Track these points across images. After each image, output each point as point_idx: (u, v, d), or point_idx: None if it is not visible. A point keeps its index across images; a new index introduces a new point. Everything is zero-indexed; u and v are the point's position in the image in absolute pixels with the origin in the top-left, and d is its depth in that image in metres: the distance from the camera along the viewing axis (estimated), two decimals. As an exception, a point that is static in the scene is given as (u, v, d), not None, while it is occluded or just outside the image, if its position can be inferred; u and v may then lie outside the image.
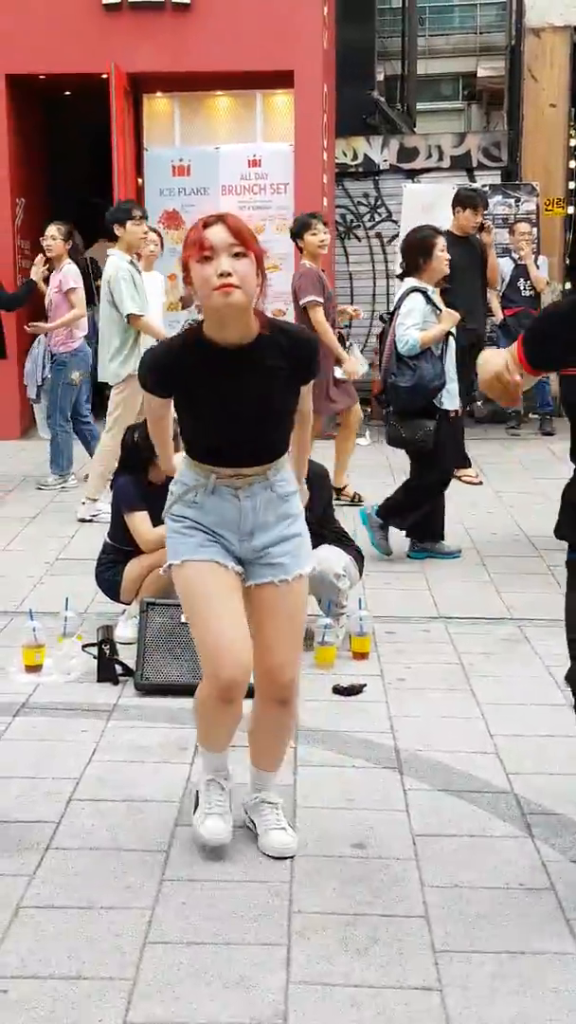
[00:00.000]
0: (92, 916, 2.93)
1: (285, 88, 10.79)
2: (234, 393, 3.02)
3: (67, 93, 11.70)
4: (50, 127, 12.17)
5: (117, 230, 7.31)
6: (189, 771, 3.78)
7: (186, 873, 3.14)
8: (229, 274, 2.85)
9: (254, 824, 3.34)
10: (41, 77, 10.98)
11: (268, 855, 3.22)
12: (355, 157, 12.83)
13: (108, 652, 4.59)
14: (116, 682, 4.54)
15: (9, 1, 10.45)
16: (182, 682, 4.39)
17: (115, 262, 7.23)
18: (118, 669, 4.57)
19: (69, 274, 8.51)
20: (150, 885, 3.07)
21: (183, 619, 4.52)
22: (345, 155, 12.75)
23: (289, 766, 3.77)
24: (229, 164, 10.96)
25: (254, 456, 3.11)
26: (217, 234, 2.89)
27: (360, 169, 12.86)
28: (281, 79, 10.64)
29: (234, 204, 10.92)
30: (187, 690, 4.31)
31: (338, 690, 4.51)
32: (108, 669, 4.57)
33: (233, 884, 3.09)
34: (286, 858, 3.20)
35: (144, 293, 7.40)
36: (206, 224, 2.92)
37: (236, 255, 2.88)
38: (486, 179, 12.43)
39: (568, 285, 11.89)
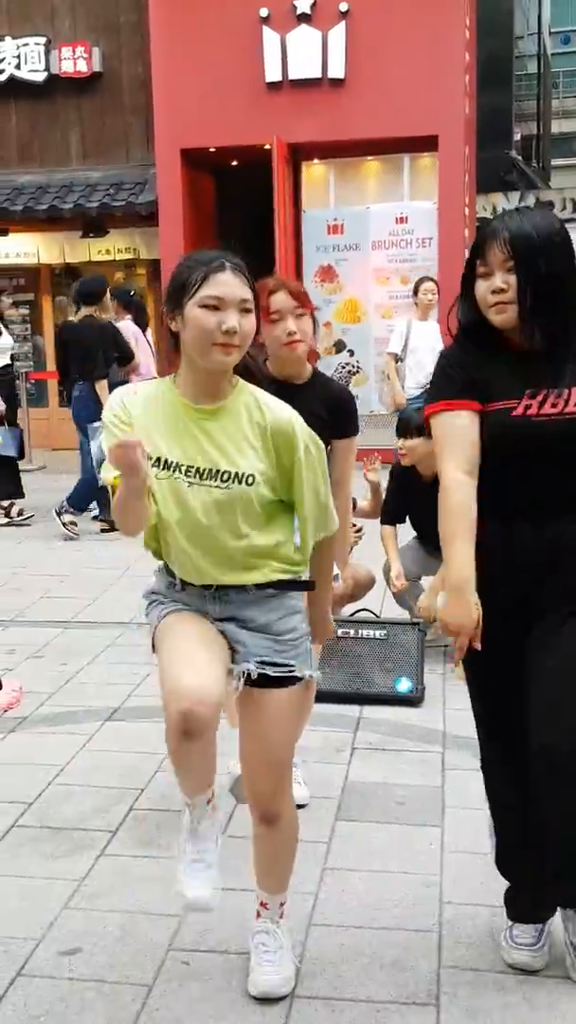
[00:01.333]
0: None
1: (430, 151, 10.82)
2: None
3: (234, 163, 12.00)
4: (219, 193, 12.50)
5: None
6: (346, 770, 3.81)
7: (345, 864, 3.16)
8: (294, 332, 3.20)
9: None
10: (211, 150, 11.30)
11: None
12: (494, 212, 12.75)
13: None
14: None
15: (184, 85, 10.81)
16: (333, 690, 4.42)
17: None
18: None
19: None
20: (314, 873, 3.11)
21: (339, 633, 4.57)
22: (485, 210, 12.72)
23: (437, 769, 3.77)
24: (379, 222, 11.04)
25: None
26: (282, 300, 3.18)
27: (499, 222, 12.77)
28: (426, 143, 10.68)
29: (383, 258, 11.01)
30: (337, 698, 4.38)
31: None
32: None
33: (388, 875, 3.10)
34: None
35: None
36: (271, 292, 3.17)
37: (299, 315, 3.19)
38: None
39: None
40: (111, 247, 12.38)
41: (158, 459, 2.32)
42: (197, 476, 2.31)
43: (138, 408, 2.36)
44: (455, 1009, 2.50)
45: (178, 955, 2.75)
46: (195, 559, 2.36)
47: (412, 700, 4.44)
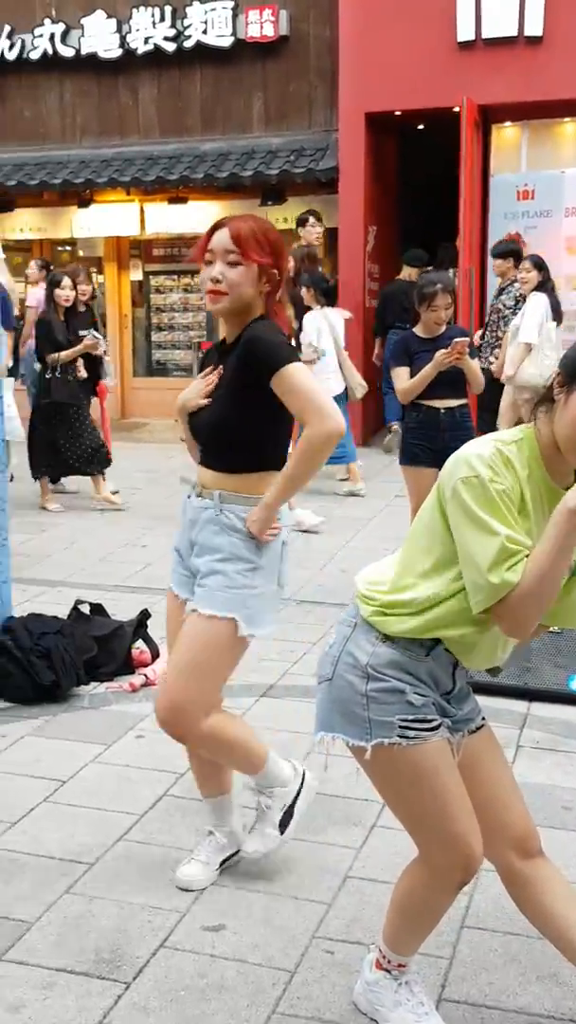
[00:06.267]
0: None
1: None
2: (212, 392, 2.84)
3: (420, 126, 11.82)
4: (401, 157, 12.36)
5: None
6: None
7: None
8: (217, 280, 2.73)
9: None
10: (397, 113, 11.17)
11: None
12: None
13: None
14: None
15: (371, 47, 10.72)
16: (500, 683, 4.30)
17: None
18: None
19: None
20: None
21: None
22: None
23: None
24: (574, 187, 10.66)
25: (210, 458, 2.86)
26: (219, 239, 2.75)
27: None
28: (630, 103, 10.24)
29: (576, 225, 10.66)
30: (503, 691, 4.26)
31: None
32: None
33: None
34: None
35: None
36: (215, 227, 2.79)
37: (232, 263, 2.73)
38: None
39: None
40: (288, 215, 12.39)
41: None
42: None
43: (516, 481, 2.08)
44: (616, 1031, 2.40)
45: (322, 943, 2.73)
46: (506, 643, 2.26)
47: (585, 698, 4.28)
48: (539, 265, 8.42)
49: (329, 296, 8.62)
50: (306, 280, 8.55)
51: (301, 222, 9.78)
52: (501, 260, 9.15)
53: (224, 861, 3.08)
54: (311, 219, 9.70)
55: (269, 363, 2.69)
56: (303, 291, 8.47)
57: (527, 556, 2.02)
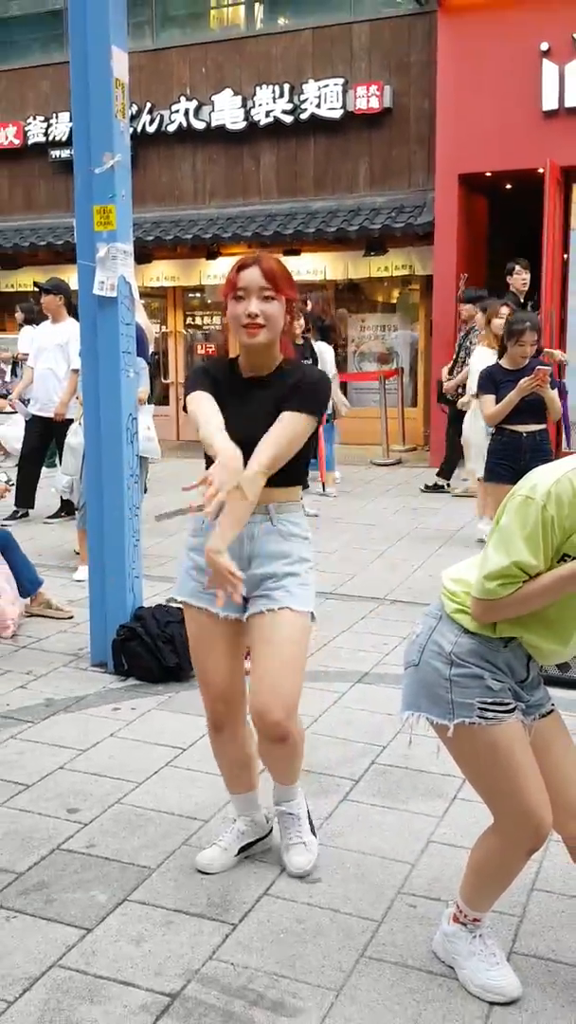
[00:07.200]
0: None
1: None
2: (247, 417, 2.62)
3: (508, 186, 11.72)
4: (491, 214, 12.26)
5: None
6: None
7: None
8: (255, 314, 2.60)
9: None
10: (487, 174, 11.10)
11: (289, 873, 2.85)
12: None
13: None
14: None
15: (465, 117, 10.69)
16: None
17: None
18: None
19: None
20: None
21: None
22: None
23: None
24: None
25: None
26: (250, 276, 2.61)
27: None
28: None
29: None
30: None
31: None
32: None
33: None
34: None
35: None
36: (241, 266, 2.64)
37: (265, 298, 2.61)
38: None
39: None
40: (389, 264, 12.45)
41: None
42: None
43: None
44: None
45: (406, 898, 2.71)
46: None
47: None
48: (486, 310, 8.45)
49: (323, 332, 8.97)
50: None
51: (509, 271, 8.98)
52: (470, 305, 8.91)
53: (243, 848, 2.92)
54: (517, 267, 8.95)
55: (308, 402, 2.64)
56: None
57: (525, 581, 2.06)
